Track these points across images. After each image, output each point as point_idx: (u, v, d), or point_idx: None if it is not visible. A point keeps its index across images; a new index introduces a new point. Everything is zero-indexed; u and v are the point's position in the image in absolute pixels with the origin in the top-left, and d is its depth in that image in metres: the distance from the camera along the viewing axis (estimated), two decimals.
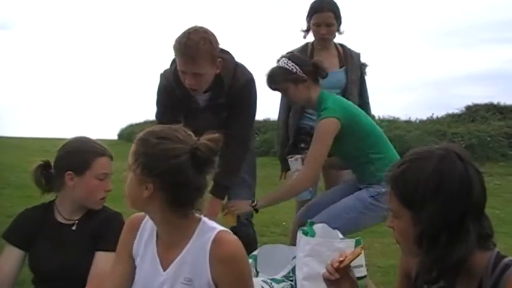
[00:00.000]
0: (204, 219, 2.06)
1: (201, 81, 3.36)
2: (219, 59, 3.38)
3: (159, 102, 3.66)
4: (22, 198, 7.71)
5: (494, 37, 32.71)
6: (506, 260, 1.66)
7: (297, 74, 3.46)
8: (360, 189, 3.48)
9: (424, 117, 18.08)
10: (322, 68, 3.53)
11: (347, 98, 3.90)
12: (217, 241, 1.97)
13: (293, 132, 4.15)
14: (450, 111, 18.51)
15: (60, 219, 2.69)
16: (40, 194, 2.73)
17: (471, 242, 1.62)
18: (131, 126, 25.87)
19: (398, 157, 3.38)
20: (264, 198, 3.53)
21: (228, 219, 3.50)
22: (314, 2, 4.10)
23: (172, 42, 3.33)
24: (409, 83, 29.04)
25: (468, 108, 18.66)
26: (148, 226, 2.12)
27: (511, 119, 16.40)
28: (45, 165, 2.71)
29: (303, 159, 3.62)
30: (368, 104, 4.25)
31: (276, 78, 3.52)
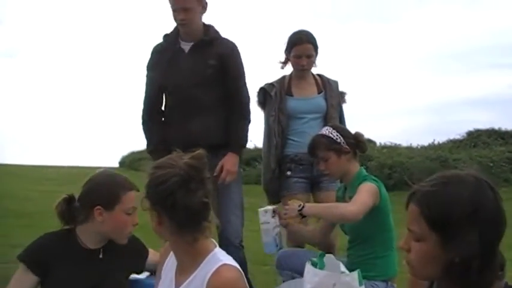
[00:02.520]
0: (217, 250, 2.12)
1: (190, 16, 3.75)
2: (206, 4, 3.85)
3: (146, 76, 3.99)
4: (23, 227, 7.69)
5: (495, 62, 32.84)
6: None
7: (341, 144, 3.44)
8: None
9: (426, 143, 18.15)
10: (363, 141, 3.55)
11: (330, 123, 3.94)
12: (216, 273, 2.02)
13: (277, 161, 4.19)
14: (452, 137, 18.57)
15: (84, 246, 2.66)
16: (61, 224, 2.69)
17: (497, 271, 1.64)
18: (133, 153, 25.89)
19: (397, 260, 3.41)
20: (311, 207, 3.43)
21: (294, 223, 3.50)
22: (293, 35, 4.19)
23: None
24: (409, 109, 29.13)
25: (469, 133, 18.72)
26: None
27: None
28: (70, 199, 2.66)
29: (274, 211, 3.48)
30: (344, 124, 4.27)
31: (319, 146, 3.49)
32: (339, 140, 3.45)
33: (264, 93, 4.26)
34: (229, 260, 2.09)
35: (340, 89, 4.34)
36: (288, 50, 4.19)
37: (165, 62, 3.90)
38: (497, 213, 1.63)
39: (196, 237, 2.04)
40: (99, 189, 2.61)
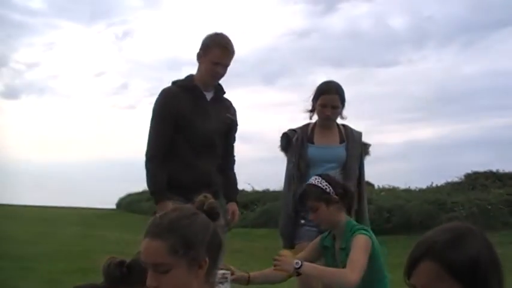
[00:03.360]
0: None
1: (225, 73, 4.12)
2: None
3: (159, 115, 4.07)
4: (20, 270, 7.63)
5: (492, 104, 33.00)
6: None
7: (330, 194, 3.45)
8: None
9: (424, 186, 18.07)
10: (352, 192, 3.60)
11: (347, 173, 4.06)
12: None
13: (294, 208, 4.18)
14: (449, 179, 18.51)
15: None
16: (71, 263, 2.58)
17: None
18: (130, 195, 25.84)
19: None
20: (310, 268, 3.35)
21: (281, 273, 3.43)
22: (322, 84, 4.25)
23: (203, 41, 4.10)
24: (407, 151, 29.11)
25: (467, 176, 18.68)
26: None
27: (511, 187, 16.41)
28: (121, 263, 2.57)
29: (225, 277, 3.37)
30: (363, 179, 4.36)
31: (309, 196, 3.50)
32: (328, 190, 3.45)
33: (287, 139, 4.31)
34: None
35: (364, 140, 4.37)
36: (315, 99, 4.23)
37: (187, 104, 4.04)
38: (499, 260, 1.66)
39: (215, 273, 2.03)
40: None
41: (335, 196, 3.45)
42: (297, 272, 3.28)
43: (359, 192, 4.20)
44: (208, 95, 4.15)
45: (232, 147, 4.38)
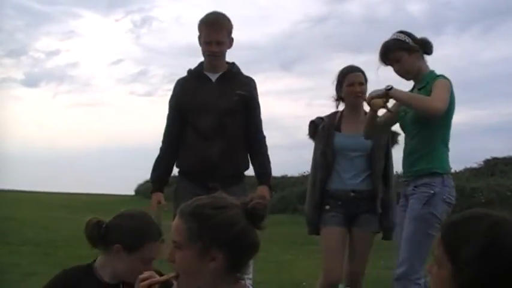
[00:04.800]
0: (249, 285, 2.03)
1: (222, 48, 4.03)
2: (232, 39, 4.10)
3: (169, 106, 4.19)
4: (40, 255, 7.71)
5: (510, 90, 32.71)
6: None
7: (409, 44, 3.73)
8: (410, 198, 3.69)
9: None
10: (430, 43, 3.81)
11: (373, 162, 4.12)
12: None
13: (320, 194, 4.21)
14: (468, 166, 18.37)
15: (104, 281, 2.58)
16: (89, 248, 2.63)
17: None
18: (148, 182, 25.92)
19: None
20: (399, 91, 3.65)
21: (377, 102, 3.69)
22: (343, 68, 4.28)
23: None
24: None
25: (487, 162, 18.53)
26: None
27: None
28: (99, 224, 2.58)
29: None
30: (392, 168, 4.33)
31: (390, 48, 3.76)
32: (407, 40, 3.73)
33: (314, 127, 4.34)
34: None
35: (393, 129, 4.31)
36: (340, 84, 4.24)
37: (191, 89, 4.08)
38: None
39: (239, 277, 1.98)
40: (125, 229, 2.54)
41: (414, 45, 3.73)
42: (387, 93, 3.61)
43: (385, 183, 4.23)
44: (214, 77, 4.10)
45: (255, 127, 4.17)
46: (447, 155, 3.76)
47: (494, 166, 17.92)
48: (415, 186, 3.68)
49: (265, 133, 4.25)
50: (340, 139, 4.19)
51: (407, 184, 3.80)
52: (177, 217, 1.95)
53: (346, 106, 4.28)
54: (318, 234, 4.21)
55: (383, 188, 4.18)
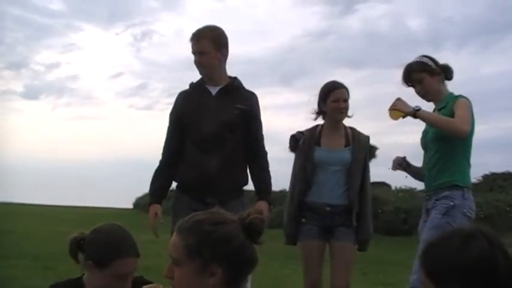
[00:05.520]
0: None
1: (207, 60, 4.01)
2: (225, 51, 4.08)
3: (169, 119, 4.19)
4: (38, 269, 7.69)
5: (508, 105, 32.80)
6: None
7: (432, 67, 3.98)
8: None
9: None
10: (450, 68, 4.06)
11: (351, 176, 4.23)
12: None
13: (298, 207, 4.34)
14: None
15: None
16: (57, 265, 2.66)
17: None
18: (147, 195, 25.83)
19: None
20: (427, 112, 3.88)
21: (395, 114, 3.91)
22: (327, 83, 4.37)
23: None
24: None
25: (485, 177, 18.56)
26: None
27: None
28: (77, 239, 2.59)
29: None
30: (368, 182, 4.41)
31: (414, 69, 4.00)
32: (430, 63, 3.98)
33: (295, 141, 4.41)
34: None
35: (371, 143, 4.46)
36: (324, 99, 4.32)
37: (192, 102, 4.09)
38: (488, 263, 1.64)
39: None
40: (96, 244, 2.52)
41: (436, 68, 3.99)
42: (415, 113, 3.82)
43: (361, 196, 4.32)
44: (215, 90, 4.09)
45: (256, 142, 4.16)
46: (468, 170, 3.92)
47: (493, 181, 17.96)
48: (436, 200, 3.83)
49: (265, 147, 4.24)
50: (319, 153, 4.29)
51: (428, 198, 3.95)
52: (174, 233, 1.94)
53: (328, 121, 4.39)
54: (295, 244, 4.39)
55: (359, 201, 4.28)
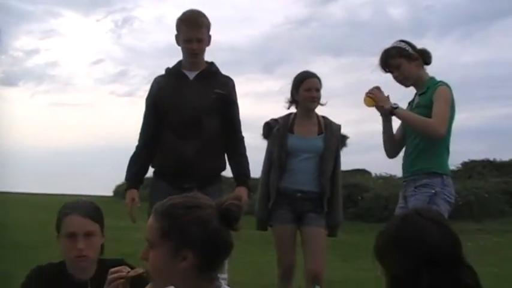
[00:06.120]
0: (224, 286, 2.02)
1: (202, 46, 4.03)
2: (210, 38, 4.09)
3: (146, 105, 4.16)
4: (19, 258, 7.64)
5: (489, 94, 33.10)
6: None
7: (409, 52, 3.90)
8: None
9: None
10: (429, 52, 3.99)
11: (323, 164, 4.34)
12: None
13: (273, 193, 4.42)
14: None
15: (74, 278, 2.61)
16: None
17: None
18: None
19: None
20: (404, 112, 3.89)
21: (370, 102, 3.91)
22: (300, 73, 4.49)
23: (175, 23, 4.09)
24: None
25: (465, 164, 18.72)
26: None
27: (508, 176, 16.44)
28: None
29: None
30: (339, 170, 4.51)
31: (391, 54, 3.92)
32: (407, 48, 3.90)
33: (268, 128, 4.49)
34: None
35: (343, 132, 4.55)
36: (296, 88, 4.42)
37: (168, 87, 4.07)
38: (417, 237, 1.78)
39: (214, 276, 1.99)
40: (57, 213, 2.65)
41: (414, 53, 3.91)
42: (392, 111, 3.84)
43: (332, 183, 4.42)
44: (192, 75, 4.09)
45: (233, 127, 4.19)
46: (447, 157, 3.92)
47: (472, 169, 18.12)
48: (415, 187, 3.83)
49: (245, 134, 4.27)
50: (293, 141, 4.38)
51: (406, 185, 3.95)
52: (151, 216, 1.96)
53: (301, 109, 4.48)
54: (266, 229, 4.53)
55: (330, 188, 4.38)
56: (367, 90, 3.91)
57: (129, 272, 2.10)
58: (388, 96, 3.90)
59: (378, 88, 3.92)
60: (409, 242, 1.77)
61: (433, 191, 3.73)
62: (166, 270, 1.93)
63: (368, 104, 3.91)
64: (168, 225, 1.91)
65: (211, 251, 1.91)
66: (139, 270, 2.11)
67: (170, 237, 1.90)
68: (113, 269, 2.14)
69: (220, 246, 1.93)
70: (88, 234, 2.57)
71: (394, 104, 3.85)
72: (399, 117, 3.88)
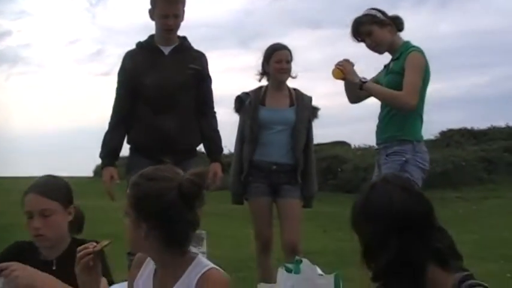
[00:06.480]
0: (199, 257, 2.05)
1: (178, 22, 3.96)
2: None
3: (118, 80, 4.09)
4: None
5: (465, 63, 33.28)
6: (469, 282, 1.69)
7: (380, 18, 3.83)
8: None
9: None
10: (400, 19, 3.91)
11: (296, 135, 4.35)
12: (204, 276, 1.97)
13: (246, 167, 4.41)
14: (425, 137, 18.61)
15: (43, 257, 2.57)
16: None
17: (391, 253, 1.73)
18: None
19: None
20: (373, 87, 3.82)
21: (338, 74, 3.87)
22: (270, 46, 4.46)
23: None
24: None
25: (442, 133, 18.86)
26: (151, 263, 2.14)
27: (485, 144, 16.61)
28: None
29: None
30: (311, 142, 4.53)
31: (362, 21, 3.85)
32: (378, 15, 3.83)
33: (240, 102, 4.47)
34: (215, 266, 2.04)
35: (314, 104, 4.54)
36: (267, 60, 4.40)
37: (144, 62, 3.99)
38: (383, 203, 1.79)
39: (184, 250, 2.01)
40: None
41: (385, 19, 3.84)
42: (361, 85, 3.79)
43: (306, 154, 4.43)
44: (167, 50, 4.04)
45: (207, 103, 4.17)
46: (419, 124, 3.87)
47: (450, 137, 18.27)
48: (387, 155, 3.78)
49: (221, 110, 4.28)
50: (264, 113, 4.38)
51: (379, 153, 3.92)
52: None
53: (272, 81, 4.47)
54: (242, 203, 4.54)
55: (304, 159, 4.39)
56: (337, 62, 3.88)
57: (95, 246, 2.09)
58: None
59: (347, 61, 3.88)
60: (377, 210, 1.79)
61: (403, 159, 3.68)
62: (134, 240, 2.00)
63: (336, 76, 3.88)
64: (132, 195, 1.98)
65: (168, 225, 1.93)
66: (105, 243, 2.12)
67: (133, 208, 1.96)
68: (79, 247, 2.12)
69: (175, 221, 1.93)
70: (44, 213, 2.51)
71: (363, 78, 3.82)
72: (368, 92, 3.83)
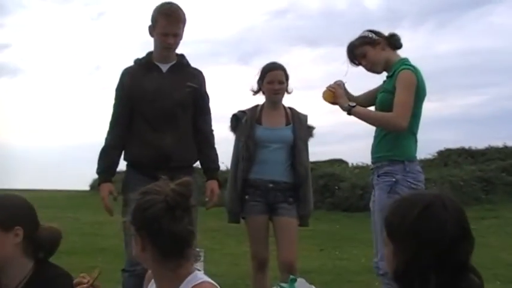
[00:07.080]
0: (197, 272, 2.06)
1: (177, 41, 3.98)
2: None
3: (115, 96, 4.10)
4: None
5: (463, 83, 33.43)
6: None
7: (372, 37, 3.85)
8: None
9: None
10: (395, 36, 3.91)
11: (297, 154, 4.36)
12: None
13: (240, 185, 4.40)
14: (423, 156, 18.65)
15: (3, 286, 2.40)
16: None
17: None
18: None
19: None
20: (361, 112, 3.81)
21: (329, 97, 3.93)
22: (266, 65, 4.49)
23: (151, 13, 4.00)
24: None
25: (440, 153, 18.87)
26: None
27: (483, 163, 16.60)
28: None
29: None
30: (308, 159, 4.51)
31: (355, 44, 3.88)
32: (370, 35, 3.86)
33: (236, 120, 4.50)
34: (210, 280, 2.04)
35: (309, 123, 4.56)
36: (261, 78, 4.43)
37: (142, 79, 4.01)
38: (440, 234, 1.68)
39: (180, 264, 2.01)
40: None
41: (377, 38, 3.86)
42: (350, 110, 3.79)
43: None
44: (165, 67, 4.05)
45: (205, 120, 4.19)
46: (412, 143, 3.81)
47: (448, 157, 18.27)
48: (378, 176, 3.76)
49: (220, 126, 4.30)
50: (261, 131, 4.39)
51: (373, 172, 3.89)
52: None
53: (266, 101, 4.49)
54: (238, 222, 4.53)
55: (300, 178, 4.39)
56: (329, 84, 3.93)
57: (88, 281, 2.14)
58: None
59: (339, 84, 3.92)
60: (429, 237, 1.68)
61: (393, 179, 3.64)
62: (135, 252, 2.04)
63: (326, 99, 3.92)
64: (134, 210, 2.01)
65: (157, 237, 1.95)
66: (95, 274, 2.16)
67: (132, 221, 2.01)
68: (75, 282, 2.15)
69: (164, 233, 1.94)
70: None
71: (352, 103, 3.81)
72: (357, 116, 3.80)
